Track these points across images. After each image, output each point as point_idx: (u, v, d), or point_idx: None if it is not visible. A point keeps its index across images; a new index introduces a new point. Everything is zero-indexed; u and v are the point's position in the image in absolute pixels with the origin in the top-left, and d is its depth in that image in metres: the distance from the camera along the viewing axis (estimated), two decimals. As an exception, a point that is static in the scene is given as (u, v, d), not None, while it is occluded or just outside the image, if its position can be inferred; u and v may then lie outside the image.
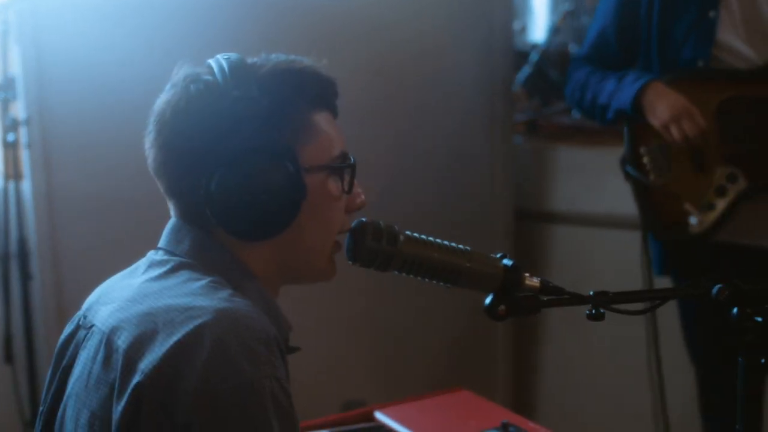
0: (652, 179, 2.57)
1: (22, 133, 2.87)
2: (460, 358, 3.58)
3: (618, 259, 3.44)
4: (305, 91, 1.37)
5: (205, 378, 1.20)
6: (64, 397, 1.37)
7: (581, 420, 3.62)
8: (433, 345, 3.53)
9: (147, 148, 1.37)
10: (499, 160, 3.59)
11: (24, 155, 2.91)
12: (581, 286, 1.43)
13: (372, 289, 3.27)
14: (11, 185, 2.96)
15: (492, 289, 1.39)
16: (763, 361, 1.42)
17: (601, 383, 3.58)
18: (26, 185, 2.95)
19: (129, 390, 1.23)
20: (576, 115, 3.86)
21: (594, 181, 3.57)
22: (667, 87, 2.50)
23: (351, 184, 1.41)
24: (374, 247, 1.35)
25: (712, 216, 2.52)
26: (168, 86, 1.37)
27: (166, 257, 1.37)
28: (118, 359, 1.27)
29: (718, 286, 1.44)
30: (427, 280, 1.39)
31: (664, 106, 2.48)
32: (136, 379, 1.23)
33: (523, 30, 4.19)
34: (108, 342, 1.30)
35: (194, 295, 1.28)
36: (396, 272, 1.38)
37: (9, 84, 2.88)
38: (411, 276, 1.39)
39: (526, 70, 3.95)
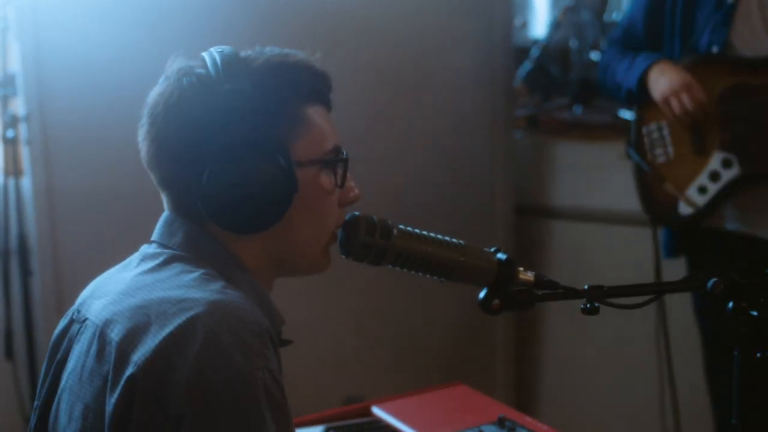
0: (648, 159, 2.59)
1: (22, 130, 2.88)
2: (463, 354, 3.59)
3: (618, 254, 3.44)
4: (298, 85, 1.37)
5: (197, 370, 1.20)
6: (59, 391, 1.37)
7: (581, 416, 3.62)
8: (436, 341, 3.53)
9: (140, 140, 1.38)
10: (500, 155, 3.59)
11: (24, 152, 2.91)
12: (581, 281, 1.42)
13: (377, 285, 3.27)
14: (11, 182, 2.97)
15: (486, 283, 1.39)
16: (759, 354, 1.42)
17: (602, 379, 3.58)
18: (26, 182, 2.96)
19: (122, 382, 1.23)
20: (577, 110, 3.86)
21: (594, 177, 3.57)
22: (671, 64, 2.53)
23: (344, 179, 1.40)
24: (367, 241, 1.35)
25: (702, 201, 2.53)
26: (162, 79, 1.37)
27: (159, 250, 1.37)
28: (112, 352, 1.27)
29: (714, 279, 1.44)
30: (421, 274, 1.39)
31: (665, 79, 2.52)
32: (129, 371, 1.23)
33: (524, 26, 4.19)
34: (101, 335, 1.30)
35: (187, 288, 1.28)
36: (390, 266, 1.38)
37: (9, 80, 2.89)
38: (405, 270, 1.39)
39: (526, 66, 3.95)
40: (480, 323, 3.52)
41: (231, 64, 1.34)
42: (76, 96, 2.89)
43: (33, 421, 1.42)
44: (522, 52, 3.96)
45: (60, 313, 3.08)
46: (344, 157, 1.40)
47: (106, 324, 1.31)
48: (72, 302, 1.46)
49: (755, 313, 1.42)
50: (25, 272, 2.98)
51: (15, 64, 2.89)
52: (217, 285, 1.30)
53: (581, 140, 3.72)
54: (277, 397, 1.23)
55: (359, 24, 3.26)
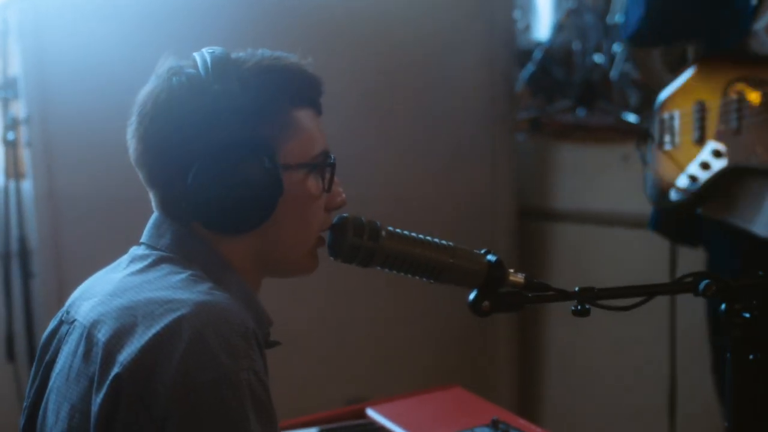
0: (656, 145, 2.62)
1: (23, 132, 2.89)
2: (466, 357, 3.58)
3: (621, 257, 3.44)
4: (288, 88, 1.37)
5: (183, 370, 1.20)
6: (47, 391, 1.38)
7: (584, 419, 3.60)
8: (439, 344, 3.53)
9: (129, 138, 1.38)
10: (503, 157, 3.59)
11: (25, 154, 2.92)
12: (585, 283, 1.42)
13: (379, 287, 3.27)
14: (12, 184, 2.98)
15: (476, 284, 1.39)
16: (751, 357, 1.41)
17: (604, 382, 3.57)
18: (27, 184, 2.96)
19: (108, 382, 1.23)
20: (580, 113, 3.85)
21: (597, 179, 3.57)
22: None
23: (331, 183, 1.40)
24: (356, 243, 1.35)
25: (692, 188, 2.54)
26: (152, 78, 1.37)
27: (147, 252, 1.38)
28: (98, 352, 1.27)
29: (706, 281, 1.43)
30: (410, 276, 1.39)
31: None
32: (115, 371, 1.23)
33: (527, 28, 4.18)
34: (88, 336, 1.31)
35: (174, 289, 1.29)
36: (379, 268, 1.38)
37: (10, 83, 2.90)
38: (394, 272, 1.39)
39: (529, 68, 3.95)
40: (482, 326, 3.52)
41: (221, 64, 1.34)
42: (77, 98, 2.90)
43: (21, 421, 1.43)
44: (525, 54, 3.96)
45: (61, 316, 3.07)
46: (332, 161, 1.40)
47: (94, 325, 1.31)
48: (72, 304, 1.46)
49: (748, 315, 1.41)
50: (26, 274, 2.99)
51: (16, 66, 2.90)
52: (205, 286, 1.30)
53: (584, 143, 3.72)
54: (262, 399, 1.23)
55: (362, 28, 3.27)
